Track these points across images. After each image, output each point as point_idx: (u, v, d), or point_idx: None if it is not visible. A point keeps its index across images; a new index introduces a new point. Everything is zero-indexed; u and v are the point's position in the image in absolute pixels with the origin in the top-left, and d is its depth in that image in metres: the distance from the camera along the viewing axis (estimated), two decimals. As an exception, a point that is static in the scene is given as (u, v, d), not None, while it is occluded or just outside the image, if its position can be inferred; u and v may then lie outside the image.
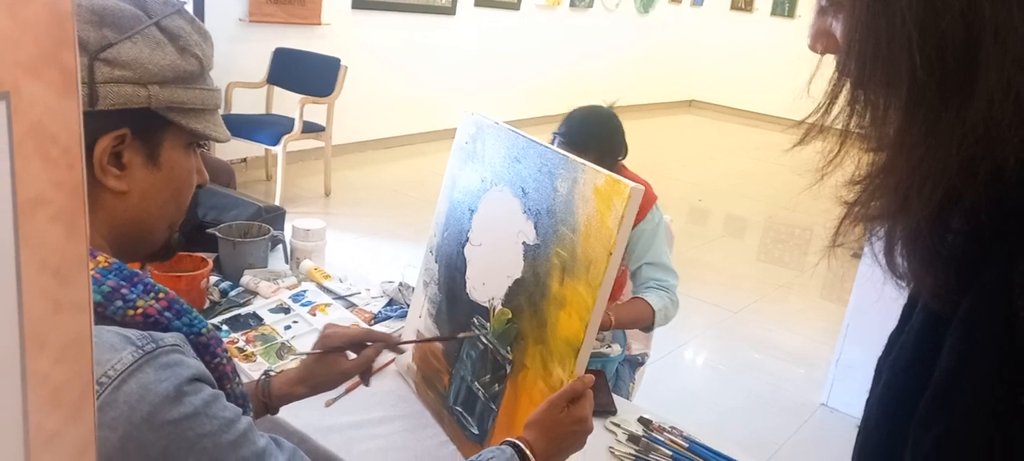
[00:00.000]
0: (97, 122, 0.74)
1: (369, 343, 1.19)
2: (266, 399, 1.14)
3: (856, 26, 0.51)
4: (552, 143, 1.77)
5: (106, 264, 0.74)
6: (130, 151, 0.78)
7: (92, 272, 0.71)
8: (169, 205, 0.84)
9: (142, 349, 0.69)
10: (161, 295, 0.75)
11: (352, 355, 1.18)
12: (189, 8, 4.94)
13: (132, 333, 0.71)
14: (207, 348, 0.78)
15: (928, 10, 0.47)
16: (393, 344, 1.23)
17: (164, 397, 0.69)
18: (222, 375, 0.80)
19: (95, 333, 0.68)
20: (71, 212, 0.37)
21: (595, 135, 1.77)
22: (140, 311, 0.73)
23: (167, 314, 0.75)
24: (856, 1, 0.50)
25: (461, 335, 1.30)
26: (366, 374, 1.21)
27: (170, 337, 0.73)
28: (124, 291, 0.73)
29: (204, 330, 0.78)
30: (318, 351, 1.16)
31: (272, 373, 1.17)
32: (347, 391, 1.46)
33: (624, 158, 1.85)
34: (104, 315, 0.72)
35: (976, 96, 0.47)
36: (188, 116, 0.82)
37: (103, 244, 0.79)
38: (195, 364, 0.74)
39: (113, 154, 0.77)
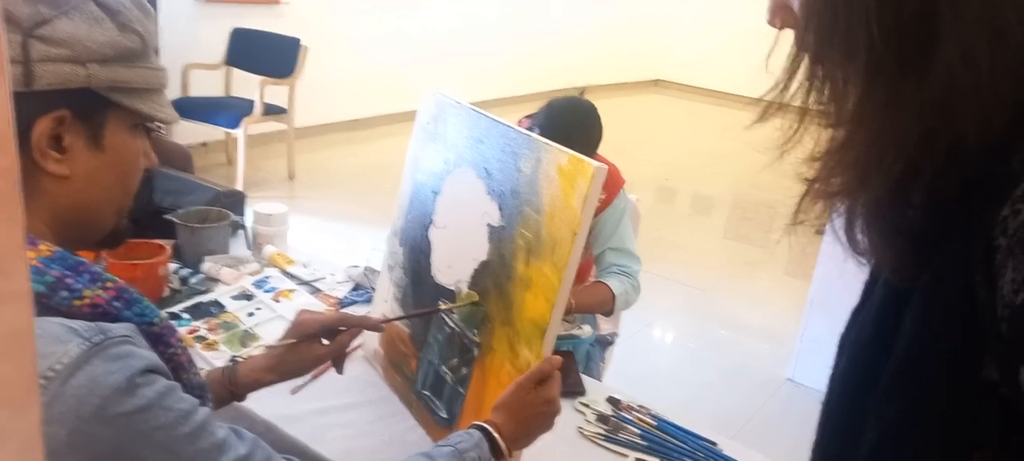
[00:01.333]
0: (34, 103, 0.71)
1: (343, 328, 1.16)
2: (233, 387, 1.11)
3: None
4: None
5: (49, 253, 0.70)
6: (71, 133, 0.74)
7: (34, 261, 0.68)
8: (115, 189, 0.81)
9: (90, 341, 0.66)
10: (109, 284, 0.72)
11: (326, 341, 1.16)
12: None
13: (79, 324, 0.68)
14: (160, 338, 0.75)
15: None
16: (370, 325, 1.20)
17: (115, 389, 0.66)
18: (177, 365, 0.77)
19: (39, 325, 0.65)
20: (5, 198, 0.35)
21: (579, 125, 1.73)
22: (87, 301, 0.70)
23: (116, 304, 0.72)
24: None
25: (442, 307, 1.27)
26: (339, 361, 1.18)
27: (120, 328, 0.70)
28: (69, 281, 0.69)
29: (156, 319, 0.75)
30: (292, 341, 1.12)
31: (239, 360, 1.14)
32: (314, 377, 1.43)
33: None
34: (49, 306, 0.68)
35: (934, 67, 0.47)
36: (131, 96, 0.79)
37: (45, 231, 0.75)
38: (148, 355, 0.71)
39: (52, 137, 0.73)
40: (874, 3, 0.47)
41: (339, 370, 1.20)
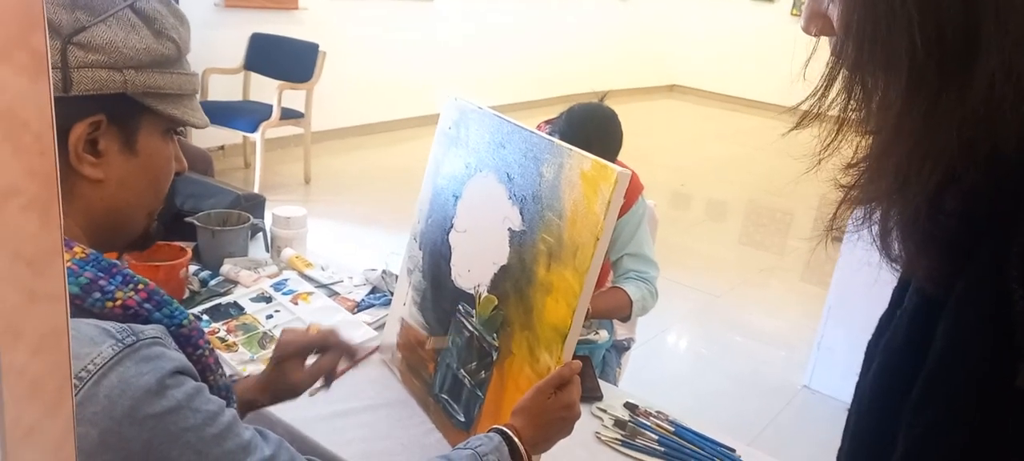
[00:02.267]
0: (71, 108, 0.72)
1: (324, 348, 1.14)
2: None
3: (854, 7, 0.50)
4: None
5: (83, 255, 0.71)
6: (106, 138, 0.76)
7: (68, 264, 0.69)
8: (147, 193, 0.82)
9: (122, 342, 0.68)
10: (140, 286, 0.73)
11: (312, 359, 1.14)
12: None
13: (111, 326, 0.69)
14: (189, 340, 0.76)
15: None
16: (349, 350, 1.17)
17: (146, 391, 0.67)
18: (205, 367, 0.78)
19: (73, 326, 0.66)
20: (44, 200, 0.36)
21: (599, 131, 1.72)
22: (119, 303, 0.71)
23: (147, 306, 0.73)
24: None
25: (430, 345, 1.28)
26: (329, 376, 1.16)
27: (151, 329, 0.71)
28: (102, 283, 0.71)
29: (185, 321, 0.76)
30: (276, 360, 1.11)
31: (234, 380, 1.14)
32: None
33: None
34: (82, 308, 0.70)
35: (976, 78, 0.46)
36: (165, 101, 0.80)
37: (79, 234, 0.76)
38: (177, 357, 0.72)
39: (88, 141, 0.74)
40: (917, 14, 0.47)
41: (326, 385, 1.17)
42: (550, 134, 1.72)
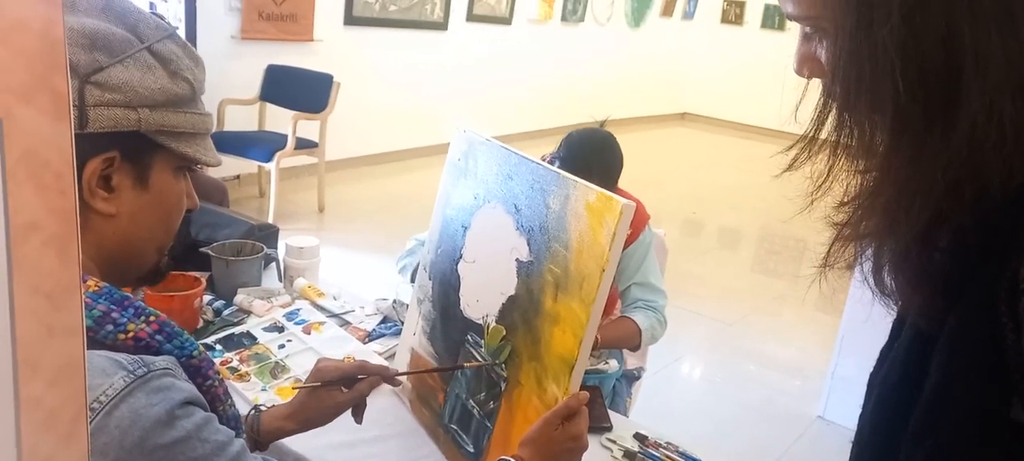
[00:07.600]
0: (86, 144, 0.74)
1: (362, 377, 1.16)
2: (255, 435, 1.12)
3: (839, 53, 0.51)
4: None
5: (96, 288, 0.73)
6: (119, 174, 0.78)
7: (83, 297, 0.71)
8: (157, 228, 0.84)
9: (133, 373, 0.69)
10: (152, 318, 0.75)
11: (345, 389, 1.15)
12: (182, 25, 4.90)
13: (123, 357, 0.70)
14: (199, 371, 0.78)
15: (909, 36, 0.47)
16: (389, 377, 1.20)
17: (156, 421, 0.68)
18: (214, 397, 0.79)
19: (86, 358, 0.68)
20: (63, 237, 0.37)
21: (597, 154, 1.75)
22: (131, 335, 0.73)
23: (158, 337, 0.75)
24: (839, 28, 0.51)
25: (466, 364, 1.28)
26: (359, 410, 1.18)
27: (161, 360, 0.72)
28: (115, 315, 0.72)
29: (195, 353, 0.78)
30: (314, 384, 1.13)
31: (262, 409, 1.16)
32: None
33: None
34: (95, 340, 0.71)
35: (959, 120, 0.47)
36: (178, 140, 0.82)
37: (92, 267, 0.78)
38: (187, 387, 0.73)
39: (102, 176, 0.77)
40: (898, 59, 0.48)
41: (358, 420, 1.19)
42: (551, 163, 1.74)
